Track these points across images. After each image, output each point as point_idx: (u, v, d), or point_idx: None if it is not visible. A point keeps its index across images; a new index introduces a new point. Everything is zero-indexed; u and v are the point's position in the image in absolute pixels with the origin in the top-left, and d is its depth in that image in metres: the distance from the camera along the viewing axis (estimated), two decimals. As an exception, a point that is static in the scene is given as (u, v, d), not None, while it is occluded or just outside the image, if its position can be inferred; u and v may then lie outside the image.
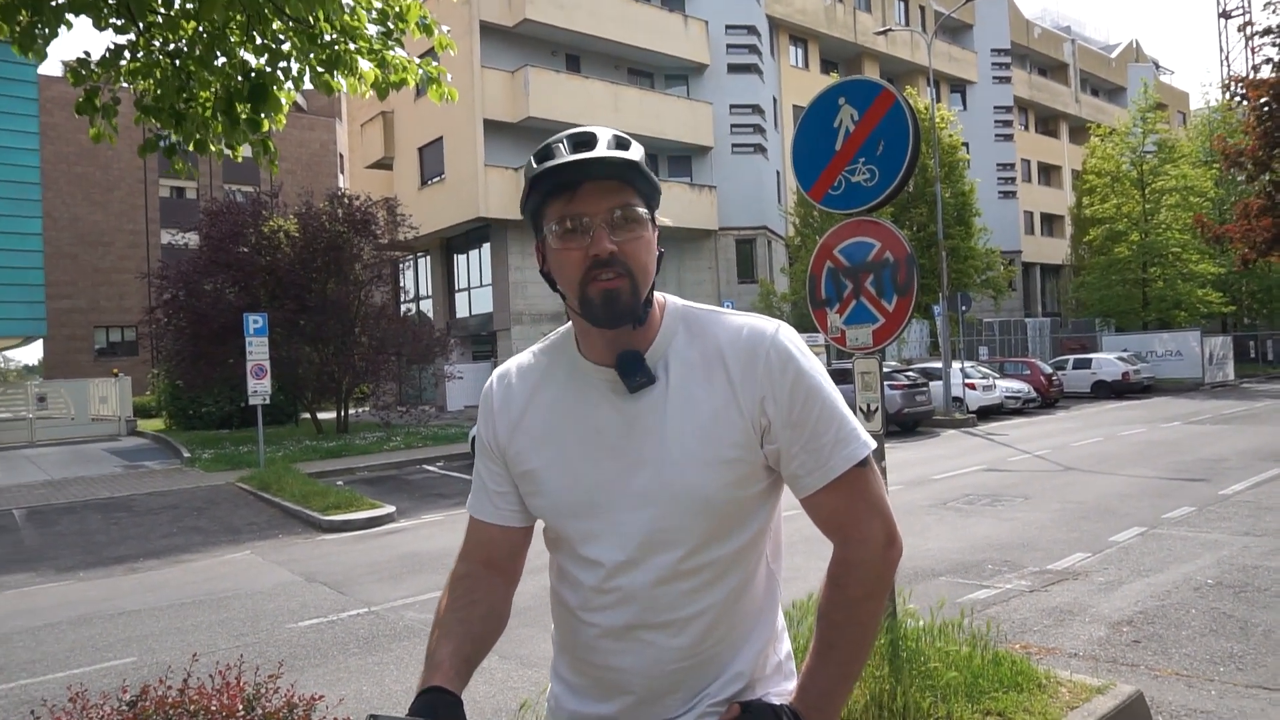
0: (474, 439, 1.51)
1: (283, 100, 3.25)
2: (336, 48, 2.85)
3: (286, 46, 2.89)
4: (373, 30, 3.03)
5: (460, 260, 28.88)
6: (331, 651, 5.57)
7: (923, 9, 40.93)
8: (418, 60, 3.18)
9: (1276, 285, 34.86)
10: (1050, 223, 47.40)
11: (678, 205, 28.47)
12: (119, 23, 3.58)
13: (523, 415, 1.39)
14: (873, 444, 1.30)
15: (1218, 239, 21.48)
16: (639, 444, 1.28)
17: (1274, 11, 17.46)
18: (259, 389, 14.33)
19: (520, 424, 1.39)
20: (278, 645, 5.74)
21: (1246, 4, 50.86)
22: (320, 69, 2.89)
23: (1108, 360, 26.85)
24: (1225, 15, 51.69)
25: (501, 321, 26.16)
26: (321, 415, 22.24)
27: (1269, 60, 17.61)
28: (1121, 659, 4.67)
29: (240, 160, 4.07)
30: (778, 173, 32.07)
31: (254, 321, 14.41)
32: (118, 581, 8.04)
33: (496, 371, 1.48)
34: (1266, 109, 17.63)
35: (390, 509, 10.65)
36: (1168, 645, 4.84)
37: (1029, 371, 24.49)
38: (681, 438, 1.26)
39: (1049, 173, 48.22)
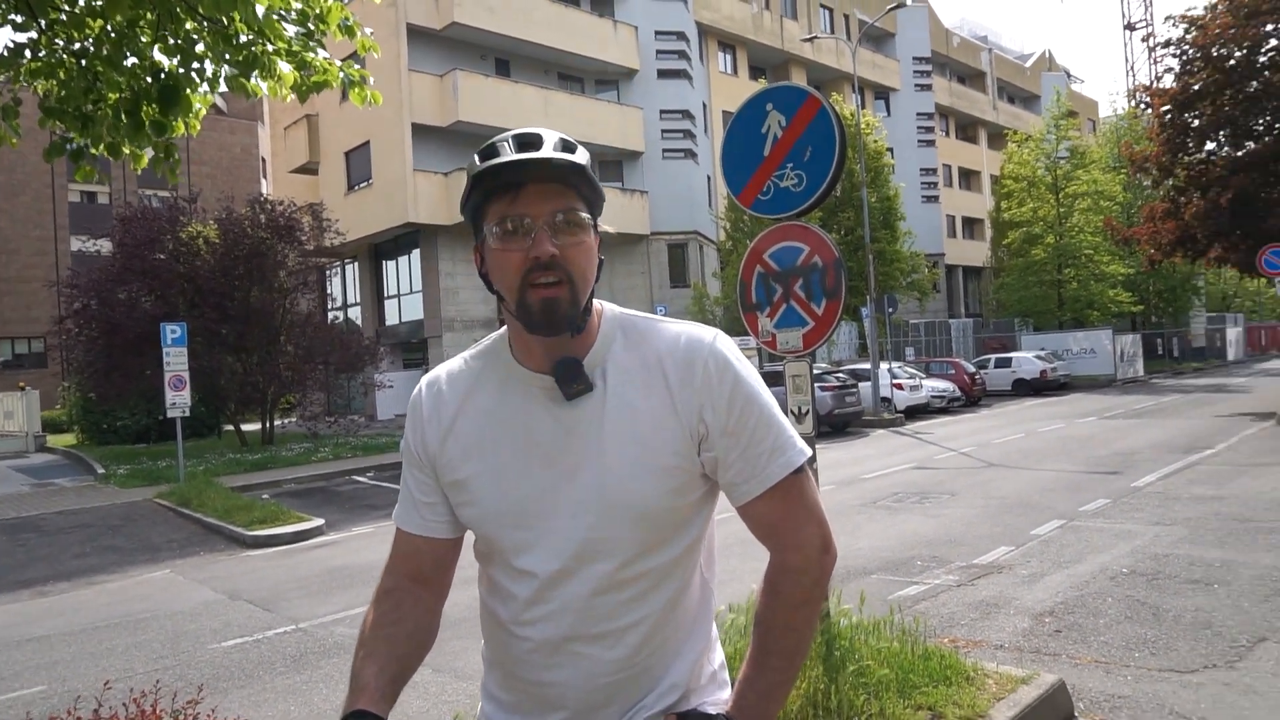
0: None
1: (196, 103, 3.13)
2: (254, 49, 2.75)
3: (201, 47, 2.77)
4: (292, 31, 2.94)
5: (389, 266, 28.39)
6: (257, 672, 5.39)
7: (847, 17, 41.86)
8: (339, 63, 3.10)
9: (1180, 285, 36.61)
10: (971, 226, 48.91)
11: (609, 210, 28.14)
12: (18, 19, 3.41)
13: (454, 422, 1.35)
14: (808, 451, 1.30)
15: (1126, 241, 22.43)
16: (576, 452, 1.26)
17: (1174, 25, 18.30)
18: (178, 401, 13.82)
19: (451, 432, 1.35)
20: (199, 667, 5.53)
21: (1149, 17, 53.45)
22: (236, 71, 2.79)
23: (1027, 359, 27.83)
24: (1130, 27, 54.20)
25: (432, 329, 25.78)
26: (246, 427, 21.58)
27: (1170, 70, 18.49)
28: (1044, 649, 4.82)
29: (139, 169, 3.91)
30: (708, 177, 32.37)
31: (171, 331, 13.89)
32: (25, 606, 7.65)
33: (425, 378, 1.43)
34: (1169, 117, 18.48)
35: (319, 522, 10.37)
36: (1087, 634, 5.02)
37: (953, 371, 25.22)
38: (620, 445, 1.25)
39: (969, 177, 49.76)
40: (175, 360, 13.78)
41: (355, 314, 28.90)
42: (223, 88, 3.06)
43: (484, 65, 27.40)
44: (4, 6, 3.33)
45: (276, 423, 22.39)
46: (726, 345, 1.29)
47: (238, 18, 2.71)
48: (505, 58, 28.08)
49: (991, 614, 5.52)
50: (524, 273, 1.20)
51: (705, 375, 1.25)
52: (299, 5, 2.83)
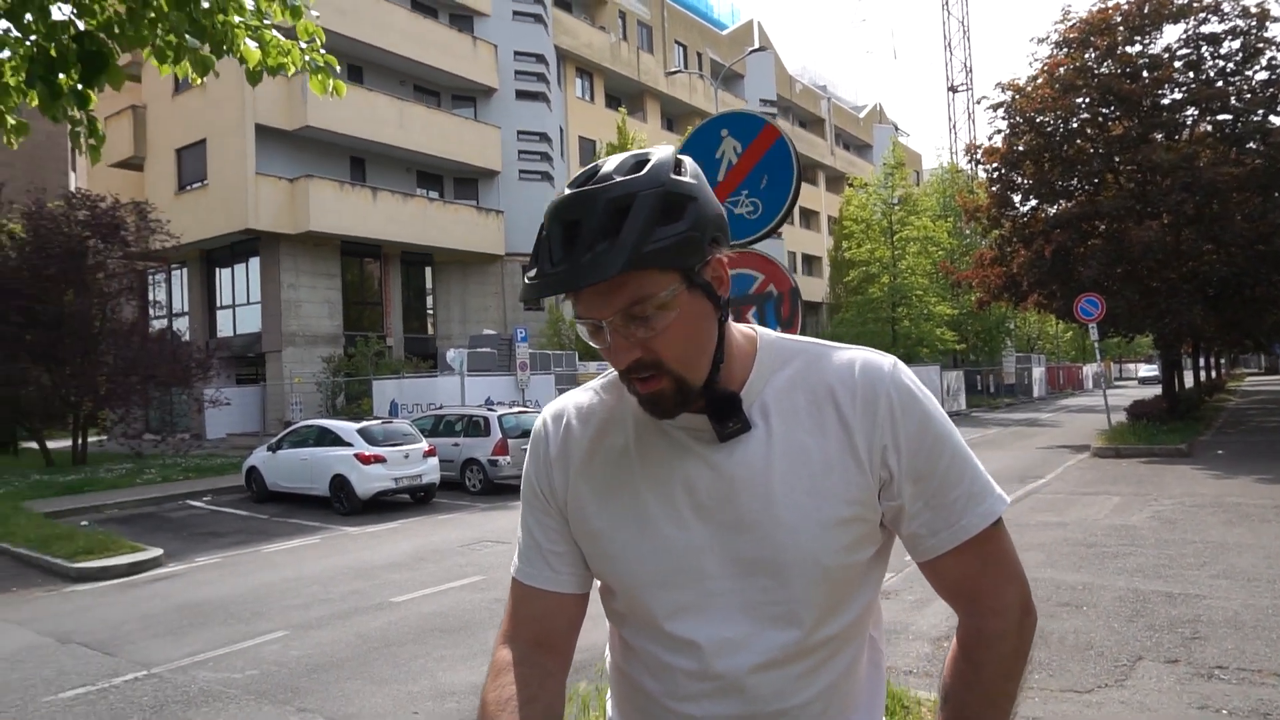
0: (523, 483, 1.26)
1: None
2: (216, 18, 2.40)
3: (151, 15, 2.38)
4: (247, 4, 2.60)
5: (224, 274, 26.47)
6: (111, 727, 4.72)
7: (700, 55, 43.29)
8: (304, 45, 2.77)
9: (995, 326, 39.93)
10: (810, 263, 51.46)
11: (463, 228, 27.88)
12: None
13: (586, 464, 1.18)
14: (1007, 500, 1.16)
15: (958, 283, 24.19)
16: (738, 502, 1.09)
17: (1001, 90, 20.03)
18: (-21, 415, 12.18)
19: (583, 475, 1.18)
20: (37, 725, 4.78)
21: (970, 80, 58.49)
22: (197, 44, 2.41)
23: (864, 391, 29.36)
24: (953, 89, 59.14)
25: (272, 343, 24.21)
26: (51, 444, 19.37)
27: (1000, 131, 20.19)
28: (951, 674, 4.97)
29: (13, 143, 3.42)
30: (565, 201, 32.31)
31: (-27, 336, 12.27)
32: None
33: (549, 411, 1.25)
34: (997, 173, 20.16)
35: (156, 552, 9.37)
36: (985, 657, 5.22)
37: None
38: (791, 494, 1.08)
39: (809, 217, 52.40)
40: (-23, 369, 12.15)
41: (182, 324, 26.69)
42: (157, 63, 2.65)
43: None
44: None
45: (90, 439, 20.24)
46: (908, 374, 1.15)
47: (194, -19, 2.36)
48: (359, 64, 27.03)
49: (893, 640, 5.66)
50: (621, 371, 1.07)
51: (889, 410, 1.09)
52: (260, -26, 2.50)
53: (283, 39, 2.70)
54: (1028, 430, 23.67)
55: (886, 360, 1.14)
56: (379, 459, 12.38)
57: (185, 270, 26.76)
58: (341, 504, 12.48)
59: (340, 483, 12.49)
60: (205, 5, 2.33)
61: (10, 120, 3.15)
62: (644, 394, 1.05)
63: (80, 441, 19.03)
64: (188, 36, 2.27)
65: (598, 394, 1.23)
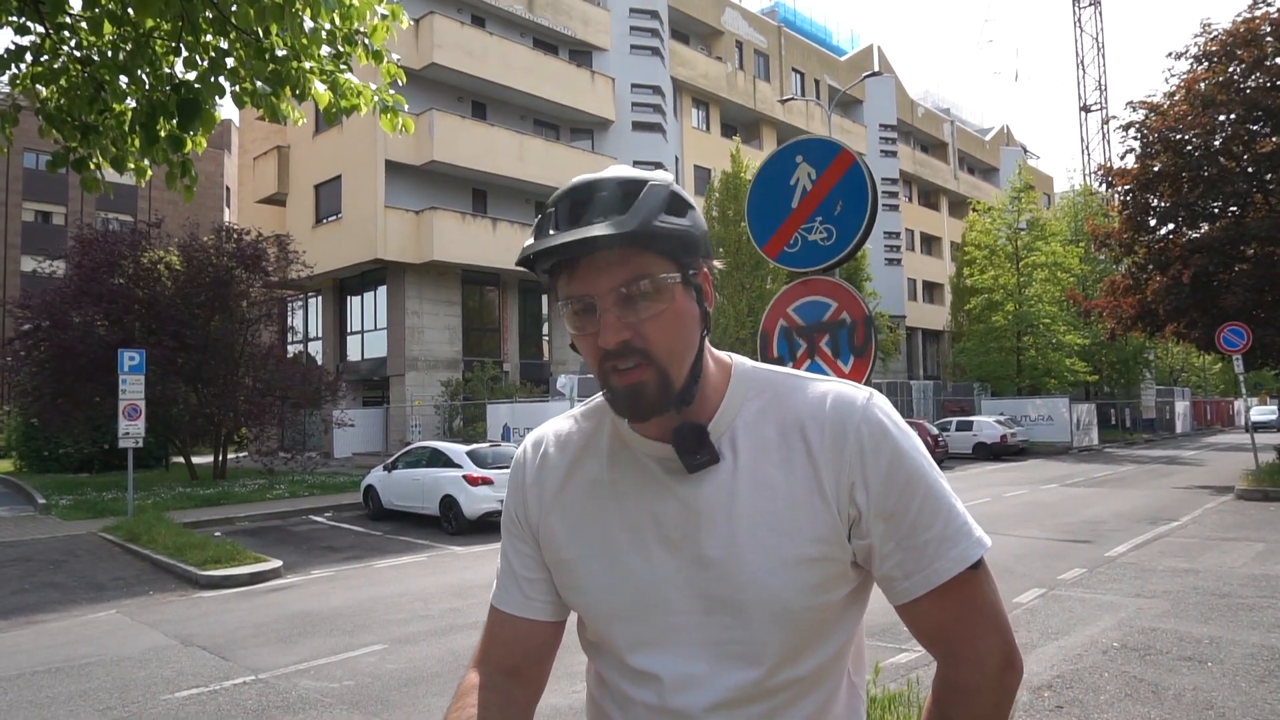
0: (501, 515, 1.27)
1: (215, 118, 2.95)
2: (289, 66, 2.59)
3: (231, 62, 2.60)
4: (324, 51, 2.78)
5: (354, 302, 27.95)
6: (216, 727, 5.01)
7: (817, 82, 42.96)
8: (374, 87, 2.95)
9: (1131, 357, 37.56)
10: (931, 290, 49.88)
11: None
12: (19, 21, 3.22)
13: (559, 493, 1.18)
14: (988, 542, 1.08)
15: (1087, 313, 22.94)
16: (702, 537, 1.07)
17: (1134, 110, 18.98)
18: (131, 430, 13.26)
19: (556, 503, 1.18)
20: (152, 720, 5.13)
21: (1104, 99, 55.68)
22: (269, 89, 2.61)
23: (988, 423, 28.17)
24: (1085, 109, 56.42)
25: (395, 367, 25.34)
26: (196, 460, 20.84)
27: (1132, 151, 19.11)
28: (1049, 725, 4.68)
29: (144, 184, 3.72)
30: (679, 230, 32.55)
31: (130, 358, 13.39)
32: (-43, 646, 7.12)
33: (530, 438, 1.26)
34: (1130, 196, 19.06)
35: (276, 563, 9.91)
36: (1089, 711, 4.89)
37: (917, 433, 25.40)
38: (754, 530, 1.05)
39: (930, 243, 50.88)
40: (131, 388, 13.25)
41: (315, 348, 28.33)
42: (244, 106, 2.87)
43: (461, 107, 27.46)
44: (6, 6, 3.14)
45: (230, 456, 21.67)
46: (883, 407, 1.10)
47: (274, 31, 2.55)
48: (482, 101, 28.20)
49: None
50: (599, 359, 1.03)
51: (858, 445, 1.05)
52: (337, 20, 2.68)
53: (356, 81, 2.87)
54: (1165, 468, 22.07)
55: (861, 394, 1.10)
56: (487, 480, 12.72)
57: (320, 298, 28.42)
58: (450, 523, 12.88)
59: (449, 503, 12.90)
60: (281, 53, 2.53)
61: (131, 164, 3.43)
62: (623, 387, 1.02)
63: (221, 457, 20.40)
64: (258, 84, 2.47)
65: (577, 422, 1.22)
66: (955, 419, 29.59)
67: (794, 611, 1.05)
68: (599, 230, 0.98)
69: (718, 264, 1.23)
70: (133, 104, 3.31)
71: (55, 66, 3.25)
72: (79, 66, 3.24)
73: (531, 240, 1.03)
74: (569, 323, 1.05)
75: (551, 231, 1.01)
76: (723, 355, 1.16)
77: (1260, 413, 41.12)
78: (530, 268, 1.05)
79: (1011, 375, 34.49)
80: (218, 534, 12.33)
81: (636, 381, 1.02)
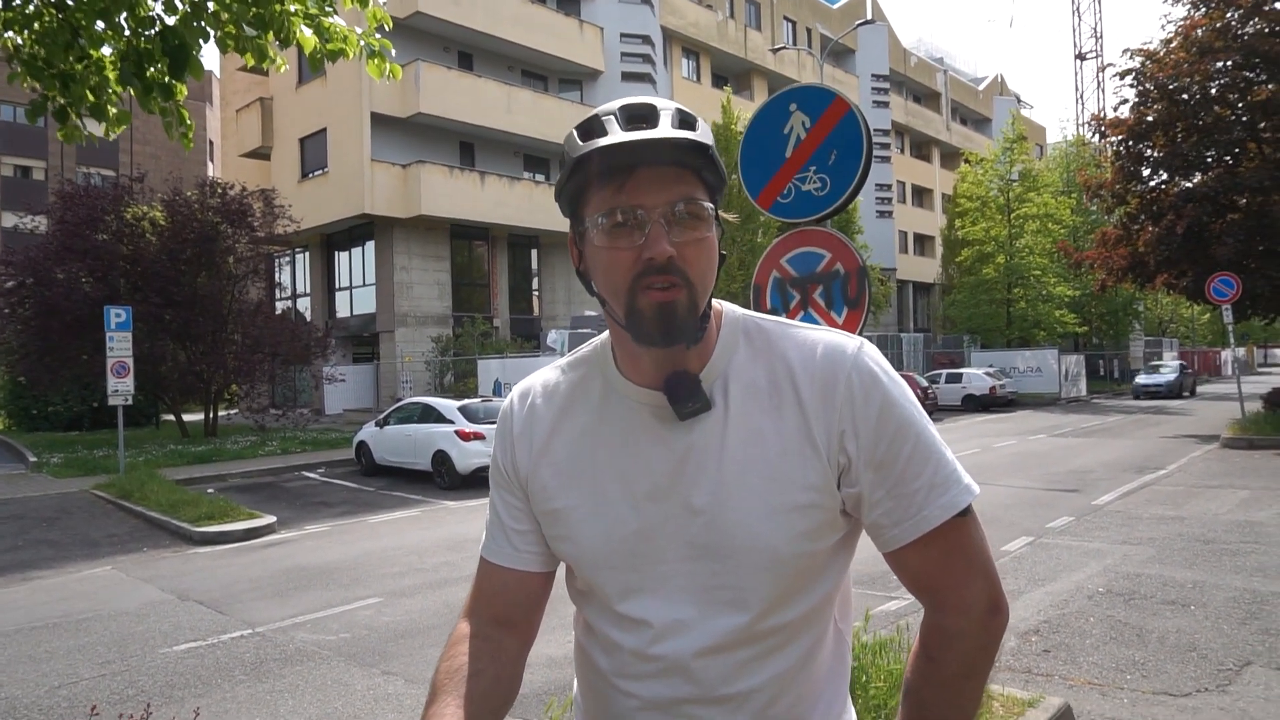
0: (490, 467, 1.25)
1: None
2: (273, 8, 2.51)
3: (212, 5, 2.52)
4: (308, -7, 2.70)
5: (341, 258, 27.72)
6: (214, 679, 5.06)
7: (809, 31, 42.29)
8: (359, 31, 2.87)
9: (1121, 309, 37.71)
10: (922, 243, 49.78)
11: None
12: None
13: (547, 443, 1.16)
14: (976, 489, 1.08)
15: (1078, 264, 22.94)
16: (691, 484, 1.07)
17: (1130, 57, 18.75)
18: (120, 388, 13.19)
19: (544, 453, 1.16)
20: (150, 673, 5.18)
21: (1099, 47, 55.05)
22: (255, 32, 2.53)
23: (977, 375, 28.33)
24: (1080, 57, 55.76)
25: (385, 323, 25.23)
26: (186, 417, 20.81)
27: (1126, 101, 18.94)
28: (1035, 669, 4.77)
29: (114, 134, 3.62)
30: (669, 182, 32.30)
31: (116, 315, 13.27)
32: (-47, 602, 7.15)
33: (517, 389, 1.24)
34: (1123, 147, 18.93)
35: (270, 519, 9.96)
36: (1075, 654, 4.98)
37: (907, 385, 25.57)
38: (744, 478, 1.05)
39: (922, 195, 50.64)
40: (119, 345, 13.16)
41: (304, 305, 28.15)
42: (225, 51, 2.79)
43: (447, 58, 26.96)
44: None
45: (220, 413, 21.65)
46: (874, 356, 1.09)
47: (255, -27, 2.47)
48: (469, 51, 27.69)
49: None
50: (635, 275, 1.00)
51: (848, 393, 1.04)
52: (320, -38, 2.59)
53: (342, 24, 2.79)
54: (1152, 418, 22.30)
55: (852, 342, 1.09)
56: (479, 435, 12.75)
57: (307, 254, 28.15)
58: (442, 478, 12.94)
59: (441, 458, 12.95)
60: (262, -5, 2.47)
61: (111, 111, 3.35)
62: (655, 304, 1.00)
63: (211, 415, 20.37)
64: (245, 26, 2.39)
65: (564, 372, 1.21)
66: (945, 371, 29.74)
67: (783, 558, 1.05)
68: (684, 133, 1.00)
69: (730, 216, 1.20)
70: (109, 51, 3.22)
71: (28, 11, 3.15)
72: (53, 11, 3.14)
73: (579, 142, 1.02)
74: (601, 236, 1.02)
75: (618, 133, 1.00)
76: (715, 303, 1.14)
77: (1149, 378, 31.88)
78: (578, 168, 1.02)
79: (1001, 327, 34.60)
80: (210, 491, 12.36)
81: (670, 300, 1.00)
